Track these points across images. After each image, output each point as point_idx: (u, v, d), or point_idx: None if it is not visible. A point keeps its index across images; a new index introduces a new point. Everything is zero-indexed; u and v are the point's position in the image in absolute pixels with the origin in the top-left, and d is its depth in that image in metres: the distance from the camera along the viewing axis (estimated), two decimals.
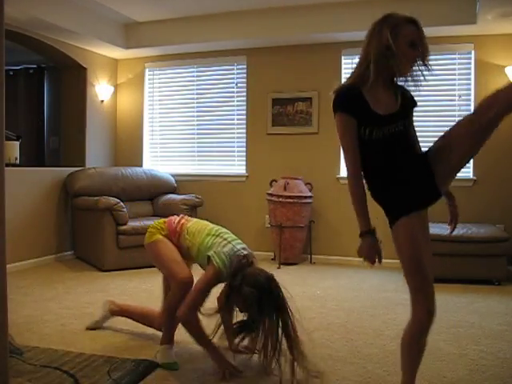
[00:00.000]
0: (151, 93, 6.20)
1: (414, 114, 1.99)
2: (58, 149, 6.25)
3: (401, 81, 1.97)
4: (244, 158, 5.75)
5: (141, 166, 6.09)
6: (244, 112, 5.74)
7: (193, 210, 5.31)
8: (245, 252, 2.46)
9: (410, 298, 1.86)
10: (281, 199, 5.08)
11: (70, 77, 5.79)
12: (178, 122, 6.10)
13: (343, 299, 3.82)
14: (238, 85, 5.80)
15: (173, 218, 2.73)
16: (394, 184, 1.88)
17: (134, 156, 6.17)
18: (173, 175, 5.86)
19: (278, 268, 4.96)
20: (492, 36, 4.85)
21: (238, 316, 2.44)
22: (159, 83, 6.18)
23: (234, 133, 5.85)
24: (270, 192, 5.23)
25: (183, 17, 5.45)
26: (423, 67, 1.90)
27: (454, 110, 5.08)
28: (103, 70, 6.01)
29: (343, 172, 5.21)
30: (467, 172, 4.96)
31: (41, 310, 3.44)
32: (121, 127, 6.28)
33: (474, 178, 4.97)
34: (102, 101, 6.00)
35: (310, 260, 5.36)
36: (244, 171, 5.75)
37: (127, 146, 6.24)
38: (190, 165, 6.04)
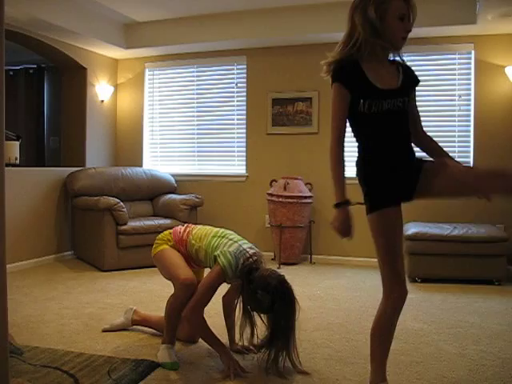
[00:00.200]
0: (151, 93, 6.20)
1: None
2: (58, 149, 6.26)
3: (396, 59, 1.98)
4: (244, 158, 5.75)
5: (141, 165, 6.09)
6: (244, 112, 5.74)
7: (193, 209, 5.31)
8: (251, 251, 2.47)
9: (383, 284, 1.94)
10: (281, 199, 5.08)
11: (70, 77, 5.79)
12: (178, 122, 6.10)
13: (343, 299, 3.82)
14: (238, 85, 5.80)
15: (178, 228, 2.74)
16: (383, 167, 1.90)
17: (134, 156, 6.17)
18: (173, 175, 5.86)
19: (278, 268, 4.95)
20: (492, 36, 4.84)
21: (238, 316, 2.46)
22: (159, 83, 6.18)
23: (233, 133, 5.85)
24: (269, 192, 5.23)
25: (183, 17, 5.45)
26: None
27: (454, 110, 5.06)
28: (103, 70, 6.01)
29: None
30: None
31: (41, 310, 3.44)
32: (121, 127, 6.28)
33: None
34: (102, 101, 6.00)
35: (310, 260, 5.37)
36: (244, 171, 5.75)
37: (127, 146, 6.24)
38: (189, 165, 6.04)
